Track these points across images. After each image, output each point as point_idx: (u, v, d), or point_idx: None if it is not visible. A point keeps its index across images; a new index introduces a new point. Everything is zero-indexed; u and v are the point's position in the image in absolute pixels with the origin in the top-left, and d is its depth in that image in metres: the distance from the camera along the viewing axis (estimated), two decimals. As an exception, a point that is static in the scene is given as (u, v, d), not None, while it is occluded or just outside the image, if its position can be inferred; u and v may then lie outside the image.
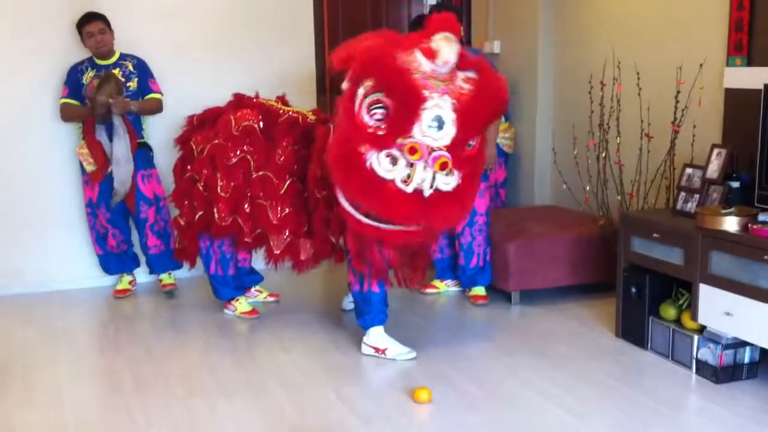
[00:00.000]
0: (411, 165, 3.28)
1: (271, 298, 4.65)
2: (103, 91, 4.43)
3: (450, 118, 3.25)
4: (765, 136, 3.42)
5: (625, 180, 4.45)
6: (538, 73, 5.44)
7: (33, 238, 4.90)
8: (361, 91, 3.29)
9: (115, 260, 4.88)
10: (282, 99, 4.23)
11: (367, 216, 3.43)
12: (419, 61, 3.25)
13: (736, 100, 3.88)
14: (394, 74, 3.22)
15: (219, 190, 3.99)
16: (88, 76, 4.61)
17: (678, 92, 4.07)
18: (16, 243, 4.87)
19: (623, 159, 4.43)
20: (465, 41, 5.59)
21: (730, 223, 3.33)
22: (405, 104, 3.23)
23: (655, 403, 3.21)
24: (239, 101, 4.13)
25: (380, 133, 3.26)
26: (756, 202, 3.45)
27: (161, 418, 3.15)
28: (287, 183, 3.87)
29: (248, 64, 5.16)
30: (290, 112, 3.99)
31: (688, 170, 3.84)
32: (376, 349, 3.75)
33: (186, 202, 4.17)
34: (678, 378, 3.47)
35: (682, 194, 3.81)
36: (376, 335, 3.77)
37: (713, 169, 3.68)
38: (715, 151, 3.71)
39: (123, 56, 4.71)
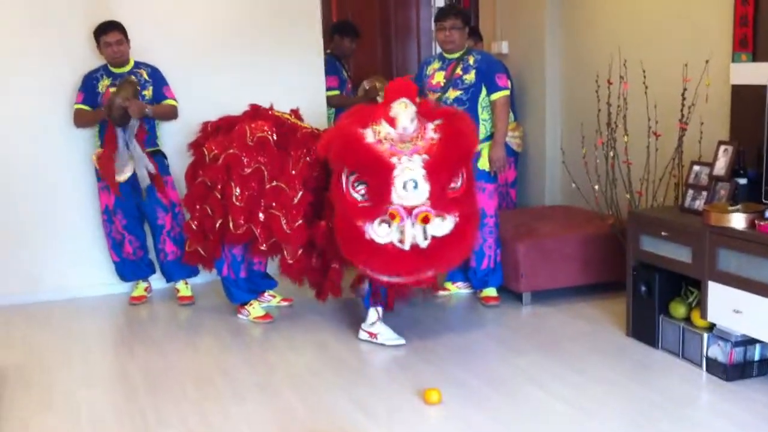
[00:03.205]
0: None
1: (285, 303, 4.69)
2: (119, 94, 4.48)
3: (421, 175, 3.58)
4: (771, 132, 3.42)
5: (633, 178, 4.45)
6: (546, 72, 5.45)
7: (50, 246, 4.96)
8: (344, 174, 3.67)
9: (131, 267, 4.91)
10: (296, 113, 4.30)
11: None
12: (387, 130, 3.65)
13: (743, 97, 3.87)
14: (360, 155, 3.61)
15: (234, 200, 4.05)
16: (103, 84, 4.66)
17: (684, 89, 4.07)
18: (34, 251, 4.93)
19: (631, 157, 4.43)
20: (477, 39, 5.61)
21: (738, 220, 3.33)
22: (377, 177, 3.61)
23: (665, 401, 3.22)
24: (255, 112, 4.21)
25: (368, 204, 3.62)
26: (763, 198, 3.44)
27: (175, 421, 3.20)
28: (300, 194, 3.95)
29: (259, 73, 5.15)
30: (311, 128, 4.16)
31: (696, 167, 3.84)
32: (371, 334, 4.00)
33: (198, 207, 4.21)
34: (688, 376, 3.47)
35: (690, 191, 3.81)
36: (373, 318, 4.02)
37: (720, 166, 3.68)
38: (722, 147, 3.71)
39: (137, 64, 4.75)
